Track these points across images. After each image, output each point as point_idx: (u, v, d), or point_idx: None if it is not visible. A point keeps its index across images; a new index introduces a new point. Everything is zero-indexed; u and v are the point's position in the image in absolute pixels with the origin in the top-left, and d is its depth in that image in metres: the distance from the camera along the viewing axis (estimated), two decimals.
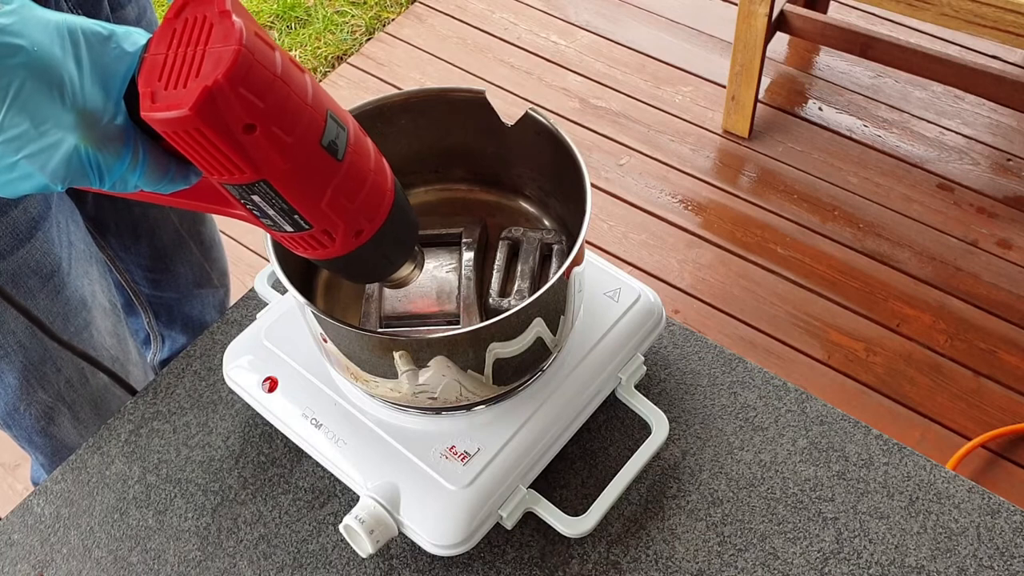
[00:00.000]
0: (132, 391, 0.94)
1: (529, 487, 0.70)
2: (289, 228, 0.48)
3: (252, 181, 0.44)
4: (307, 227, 0.48)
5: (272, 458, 0.78)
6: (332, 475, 0.76)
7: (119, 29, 0.44)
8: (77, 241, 0.91)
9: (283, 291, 0.80)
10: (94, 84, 0.42)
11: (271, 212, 0.47)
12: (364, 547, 0.67)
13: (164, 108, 0.41)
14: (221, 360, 0.81)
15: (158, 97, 0.41)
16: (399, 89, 0.72)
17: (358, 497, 0.69)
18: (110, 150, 0.43)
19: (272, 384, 0.74)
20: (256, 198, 0.46)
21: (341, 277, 0.56)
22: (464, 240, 0.73)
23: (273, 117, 0.43)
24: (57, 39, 0.41)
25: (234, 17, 0.41)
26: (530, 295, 0.68)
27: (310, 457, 0.77)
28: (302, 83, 0.44)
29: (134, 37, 0.44)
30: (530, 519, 0.72)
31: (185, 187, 0.48)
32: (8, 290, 0.84)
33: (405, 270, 0.57)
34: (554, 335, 0.68)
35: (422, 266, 0.59)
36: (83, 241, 0.94)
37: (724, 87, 2.15)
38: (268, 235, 0.63)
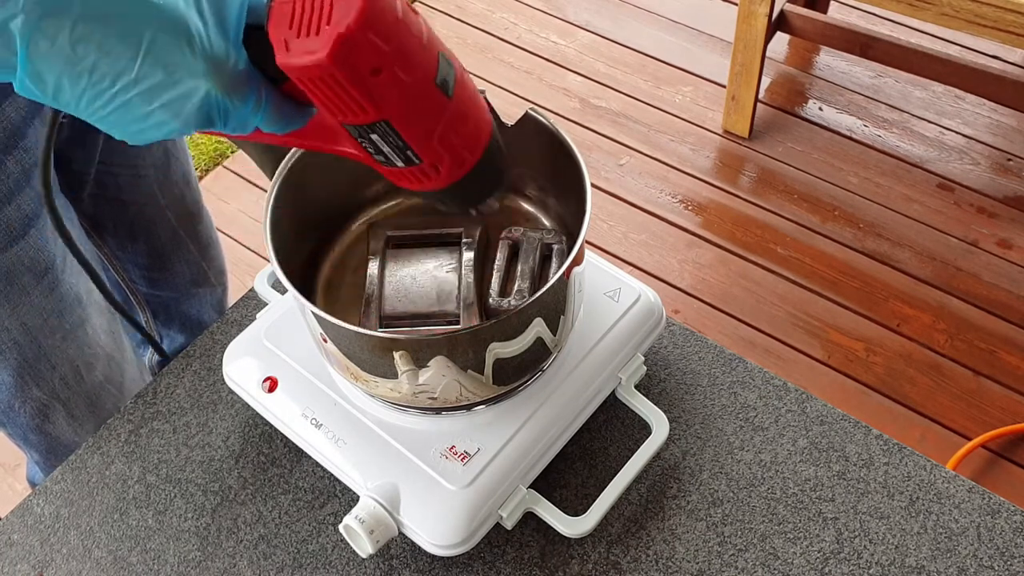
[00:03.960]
0: (127, 389, 0.94)
1: (529, 487, 0.70)
2: (401, 163, 0.50)
3: (374, 121, 0.47)
4: (418, 162, 0.50)
5: (272, 458, 0.78)
6: (332, 475, 0.76)
7: None
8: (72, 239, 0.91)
9: (283, 291, 0.80)
10: (217, 32, 0.44)
11: (386, 149, 0.49)
12: (364, 547, 0.67)
13: (299, 56, 0.43)
14: (221, 360, 0.81)
15: (291, 45, 0.43)
16: None
17: (358, 497, 0.69)
18: (237, 95, 0.45)
19: (272, 384, 0.74)
20: (375, 136, 0.48)
21: (437, 205, 0.58)
22: (464, 240, 0.73)
23: (396, 59, 0.45)
24: None
25: None
26: (530, 295, 0.68)
27: (310, 457, 0.77)
28: (418, 25, 0.46)
29: None
30: (530, 519, 0.72)
31: (301, 127, 0.50)
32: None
33: (495, 198, 0.59)
34: (554, 335, 0.68)
35: (503, 195, 0.60)
36: (78, 239, 0.94)
37: (724, 87, 2.15)
38: (267, 231, 0.64)
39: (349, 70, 0.43)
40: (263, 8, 0.46)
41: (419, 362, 0.63)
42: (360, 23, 0.42)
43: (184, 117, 0.45)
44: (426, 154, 0.50)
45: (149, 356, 1.27)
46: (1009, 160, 2.05)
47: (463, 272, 0.71)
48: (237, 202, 2.08)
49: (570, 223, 0.74)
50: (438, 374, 0.64)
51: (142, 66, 0.42)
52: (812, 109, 2.17)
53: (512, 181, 0.77)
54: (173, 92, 0.43)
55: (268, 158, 0.69)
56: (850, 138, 2.11)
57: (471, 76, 0.53)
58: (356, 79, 0.44)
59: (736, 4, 2.11)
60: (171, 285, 1.18)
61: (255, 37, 0.45)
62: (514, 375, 0.69)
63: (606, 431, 0.78)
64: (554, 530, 0.70)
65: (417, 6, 2.47)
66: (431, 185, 0.53)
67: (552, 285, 0.62)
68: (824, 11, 2.23)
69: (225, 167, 2.15)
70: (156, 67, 0.43)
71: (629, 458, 0.72)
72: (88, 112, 0.44)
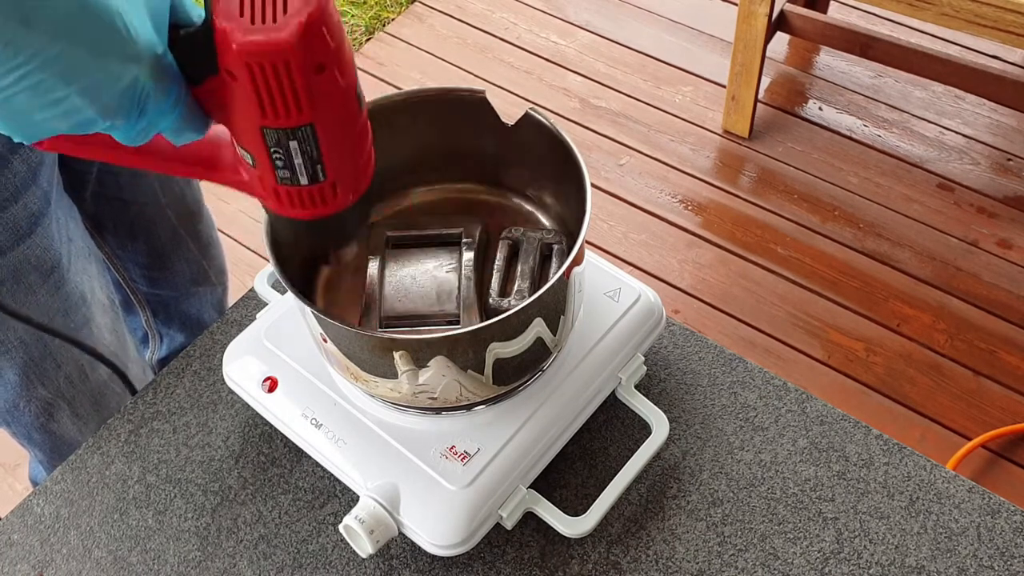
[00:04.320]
0: (131, 387, 0.94)
1: (529, 487, 0.70)
2: (305, 180, 0.49)
3: (301, 125, 0.46)
4: (322, 179, 0.50)
5: (272, 458, 0.78)
6: (332, 475, 0.76)
7: None
8: (76, 238, 0.92)
9: (283, 291, 0.80)
10: (145, 19, 0.43)
11: (298, 161, 0.48)
12: (364, 547, 0.67)
13: (262, 37, 0.43)
14: (221, 360, 0.81)
15: (248, 31, 0.43)
16: (399, 89, 0.72)
17: (358, 497, 0.69)
18: (162, 84, 0.44)
19: (272, 384, 0.74)
20: (293, 144, 0.47)
21: (300, 241, 0.57)
22: (464, 240, 0.73)
23: (337, 60, 0.45)
24: None
25: None
26: (530, 295, 0.68)
27: (310, 457, 0.77)
28: (344, 31, 0.47)
29: None
30: (530, 519, 0.72)
31: (196, 139, 0.49)
32: (7, 301, 0.84)
33: (352, 246, 0.59)
34: (554, 335, 0.68)
35: (355, 249, 0.59)
36: (82, 238, 0.94)
37: (724, 87, 2.15)
38: (266, 230, 0.63)
39: (303, 60, 0.43)
40: (183, 8, 0.45)
41: (419, 362, 0.63)
42: (320, 13, 0.43)
43: (104, 103, 0.42)
44: (334, 170, 0.49)
45: (149, 355, 1.27)
46: (1009, 160, 2.05)
47: (463, 272, 0.71)
48: (237, 202, 2.08)
49: (570, 223, 0.74)
50: (438, 374, 0.64)
51: (67, 44, 0.39)
52: (812, 109, 2.17)
53: (512, 181, 0.77)
54: (98, 74, 0.41)
55: None
56: (850, 138, 2.11)
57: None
58: (304, 72, 0.44)
59: (736, 4, 2.12)
60: (171, 284, 1.18)
61: (177, 36, 0.45)
62: (514, 375, 0.69)
63: (606, 431, 0.78)
64: (554, 530, 0.70)
65: (418, 6, 2.47)
66: (321, 211, 0.52)
67: (552, 285, 0.62)
68: (824, 11, 2.23)
69: None
70: (81, 45, 0.40)
71: (629, 458, 0.72)
72: None
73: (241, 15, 0.43)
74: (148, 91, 0.44)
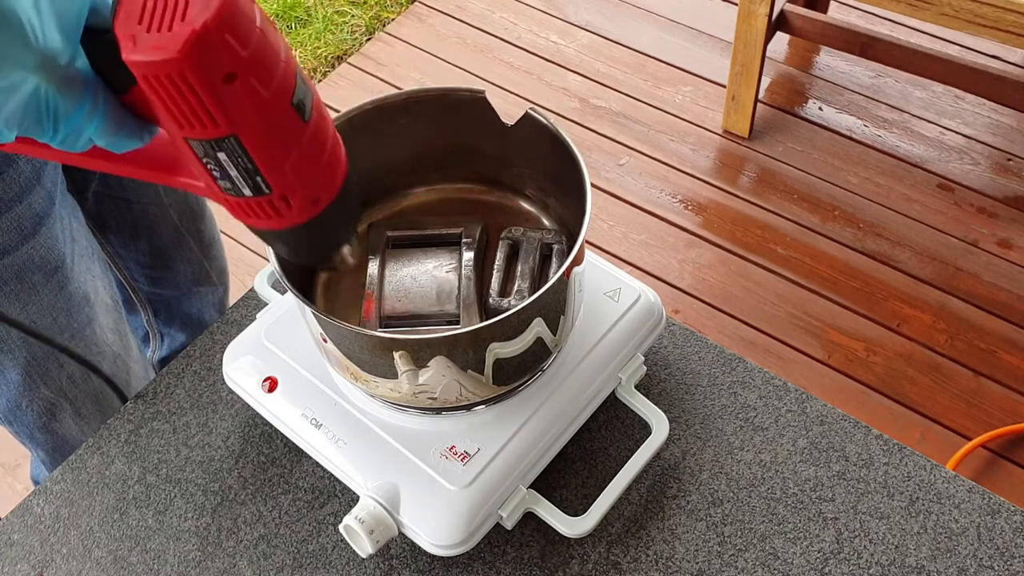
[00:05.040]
0: (122, 396, 0.94)
1: (529, 487, 0.70)
2: (248, 192, 0.47)
3: (223, 136, 0.44)
4: (267, 191, 0.47)
5: (272, 458, 0.78)
6: (332, 475, 0.76)
7: None
8: (80, 238, 0.92)
9: (283, 291, 0.80)
10: (52, 26, 0.41)
11: (233, 173, 0.46)
12: (364, 547, 0.67)
13: (149, 51, 0.40)
14: (221, 360, 0.81)
15: (140, 40, 0.40)
16: (399, 89, 0.72)
17: (358, 497, 0.69)
18: (70, 94, 0.42)
19: (272, 384, 0.74)
20: (222, 155, 0.45)
21: (285, 254, 0.56)
22: (464, 240, 0.73)
23: (253, 68, 0.42)
24: None
25: None
26: (530, 295, 0.68)
27: (310, 457, 0.77)
28: (276, 39, 0.44)
29: None
30: (530, 519, 0.72)
31: (139, 146, 0.47)
32: (6, 311, 0.84)
33: (346, 250, 0.56)
34: (554, 335, 0.68)
35: (357, 252, 0.58)
36: (85, 238, 0.94)
37: (724, 87, 2.15)
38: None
39: (201, 71, 0.40)
40: (107, 11, 0.43)
41: (419, 362, 0.63)
42: (217, 21, 0.40)
43: (8, 114, 0.41)
44: (277, 182, 0.47)
45: (151, 354, 1.27)
46: (1009, 160, 2.05)
47: (463, 272, 0.71)
48: None
49: (570, 223, 0.74)
50: (438, 374, 0.64)
51: None
52: (812, 109, 2.17)
53: (512, 181, 0.77)
54: None
55: None
56: (850, 138, 2.11)
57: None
58: (208, 83, 0.41)
59: (736, 4, 2.11)
60: (173, 284, 1.18)
61: (96, 41, 0.43)
62: (514, 375, 0.69)
63: (606, 431, 0.78)
64: (554, 530, 0.70)
65: (418, 6, 2.47)
66: (280, 222, 0.49)
67: (552, 285, 0.62)
68: (824, 11, 2.23)
69: None
70: None
71: (629, 458, 0.72)
72: None
73: (140, 21, 0.40)
74: (53, 102, 0.42)
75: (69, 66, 0.42)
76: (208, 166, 0.46)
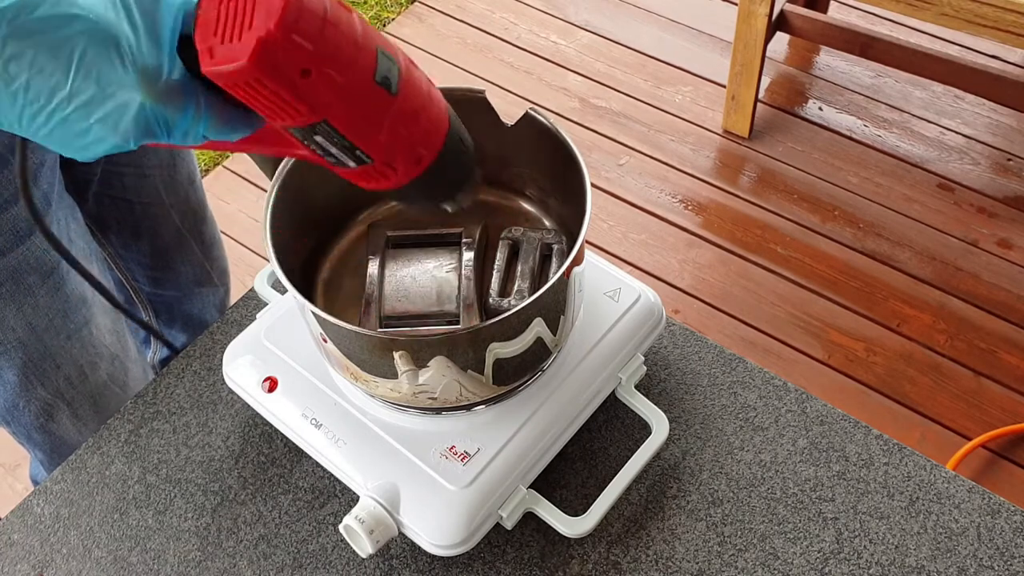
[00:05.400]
0: (121, 399, 0.94)
1: (529, 487, 0.70)
2: (352, 164, 0.50)
3: (313, 122, 0.46)
4: (369, 161, 0.50)
5: (272, 458, 0.78)
6: (332, 475, 0.76)
7: None
8: (77, 239, 0.92)
9: (283, 291, 0.80)
10: (149, 42, 0.43)
11: (334, 150, 0.49)
12: (364, 547, 0.67)
13: (223, 62, 0.43)
14: (221, 360, 0.81)
15: (216, 52, 0.43)
16: None
17: (358, 497, 0.69)
18: (173, 105, 0.45)
19: (272, 384, 0.74)
20: (319, 138, 0.48)
21: (405, 204, 0.59)
22: (464, 240, 0.73)
23: (326, 59, 0.44)
24: (108, 2, 0.42)
25: None
26: (530, 295, 0.68)
27: (310, 457, 0.77)
28: (350, 23, 0.46)
29: None
30: (530, 519, 0.72)
31: (250, 133, 0.49)
32: (2, 312, 0.84)
33: (465, 193, 0.58)
34: (554, 335, 0.68)
35: (478, 189, 0.60)
36: (83, 239, 0.94)
37: (724, 87, 2.15)
38: (267, 230, 0.64)
39: (274, 74, 0.43)
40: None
41: (419, 362, 0.63)
42: (280, 26, 0.42)
43: (122, 131, 0.44)
44: (376, 152, 0.49)
45: (151, 355, 1.27)
46: (1009, 160, 2.05)
47: (463, 272, 0.71)
48: (237, 202, 2.08)
49: (570, 223, 0.74)
50: (438, 374, 0.64)
51: (74, 81, 0.42)
52: (812, 109, 2.17)
53: (512, 181, 0.77)
54: (108, 106, 0.43)
55: (268, 158, 0.69)
56: (850, 138, 2.11)
57: (423, 72, 0.52)
58: (284, 82, 0.43)
59: (736, 4, 2.11)
60: (174, 285, 1.18)
61: (190, 46, 0.45)
62: (514, 375, 0.69)
63: (606, 431, 0.78)
64: (554, 530, 0.70)
65: (418, 6, 2.47)
66: (389, 184, 0.52)
67: (552, 285, 0.62)
68: (824, 11, 2.23)
69: (225, 167, 2.15)
70: (88, 81, 0.42)
71: (629, 458, 0.72)
72: (31, 131, 0.44)
73: (215, 32, 0.43)
74: (160, 114, 0.44)
75: (168, 79, 0.44)
76: (311, 147, 0.49)
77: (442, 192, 0.56)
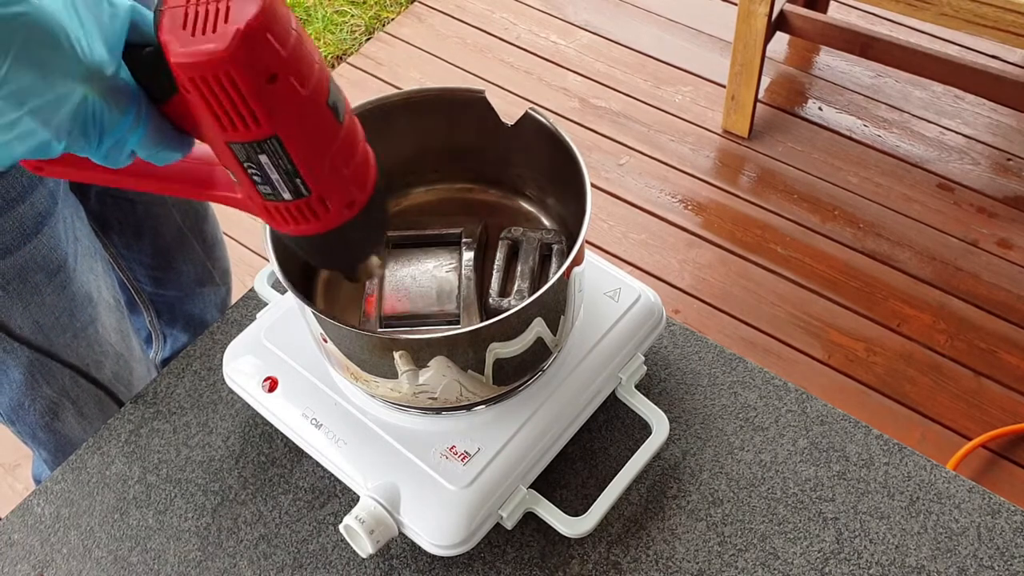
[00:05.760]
0: (119, 402, 0.94)
1: (529, 487, 0.70)
2: (288, 195, 0.49)
3: (265, 137, 0.45)
4: (306, 193, 0.49)
5: (272, 458, 0.78)
6: (332, 475, 0.76)
7: None
8: (82, 237, 0.92)
9: (283, 291, 0.80)
10: (97, 39, 0.42)
11: (274, 176, 0.48)
12: (364, 547, 0.67)
13: (196, 52, 0.42)
14: (221, 360, 0.81)
15: (186, 43, 0.42)
16: (399, 89, 0.72)
17: (358, 497, 0.69)
18: (116, 105, 0.44)
19: (272, 384, 0.74)
20: (263, 158, 0.47)
21: (318, 262, 0.56)
22: (464, 240, 0.73)
23: (292, 68, 0.44)
24: (60, 2, 0.41)
25: None
26: (530, 295, 0.68)
27: (310, 457, 0.77)
28: (310, 42, 0.46)
29: None
30: (530, 519, 0.72)
31: (178, 158, 0.48)
32: (8, 310, 0.84)
33: (375, 258, 0.58)
34: (554, 335, 0.68)
35: (384, 261, 0.59)
36: (88, 237, 0.94)
37: (724, 87, 2.15)
38: (267, 230, 0.64)
39: (247, 69, 0.42)
40: (146, 27, 0.45)
41: (419, 362, 0.63)
42: (261, 20, 0.42)
43: (56, 125, 0.42)
44: (316, 183, 0.48)
45: (153, 354, 1.27)
46: (1009, 160, 2.05)
47: (463, 272, 0.71)
48: None
49: (570, 223, 0.74)
50: (438, 374, 0.64)
51: (11, 67, 0.39)
52: (812, 109, 2.17)
53: (511, 181, 0.77)
54: (47, 95, 0.41)
55: None
56: (850, 138, 2.11)
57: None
58: (251, 82, 0.43)
59: (736, 4, 2.12)
60: (176, 284, 1.18)
61: (136, 55, 0.44)
62: (514, 375, 0.69)
63: (606, 431, 0.78)
64: (554, 530, 0.70)
65: (417, 6, 2.47)
66: (317, 226, 0.51)
67: (552, 285, 0.62)
68: (824, 11, 2.23)
69: None
70: (27, 68, 0.40)
71: (629, 458, 0.72)
72: None
73: (184, 27, 0.42)
74: (100, 111, 0.43)
75: (114, 77, 0.43)
76: (249, 171, 0.48)
77: (360, 247, 0.56)
